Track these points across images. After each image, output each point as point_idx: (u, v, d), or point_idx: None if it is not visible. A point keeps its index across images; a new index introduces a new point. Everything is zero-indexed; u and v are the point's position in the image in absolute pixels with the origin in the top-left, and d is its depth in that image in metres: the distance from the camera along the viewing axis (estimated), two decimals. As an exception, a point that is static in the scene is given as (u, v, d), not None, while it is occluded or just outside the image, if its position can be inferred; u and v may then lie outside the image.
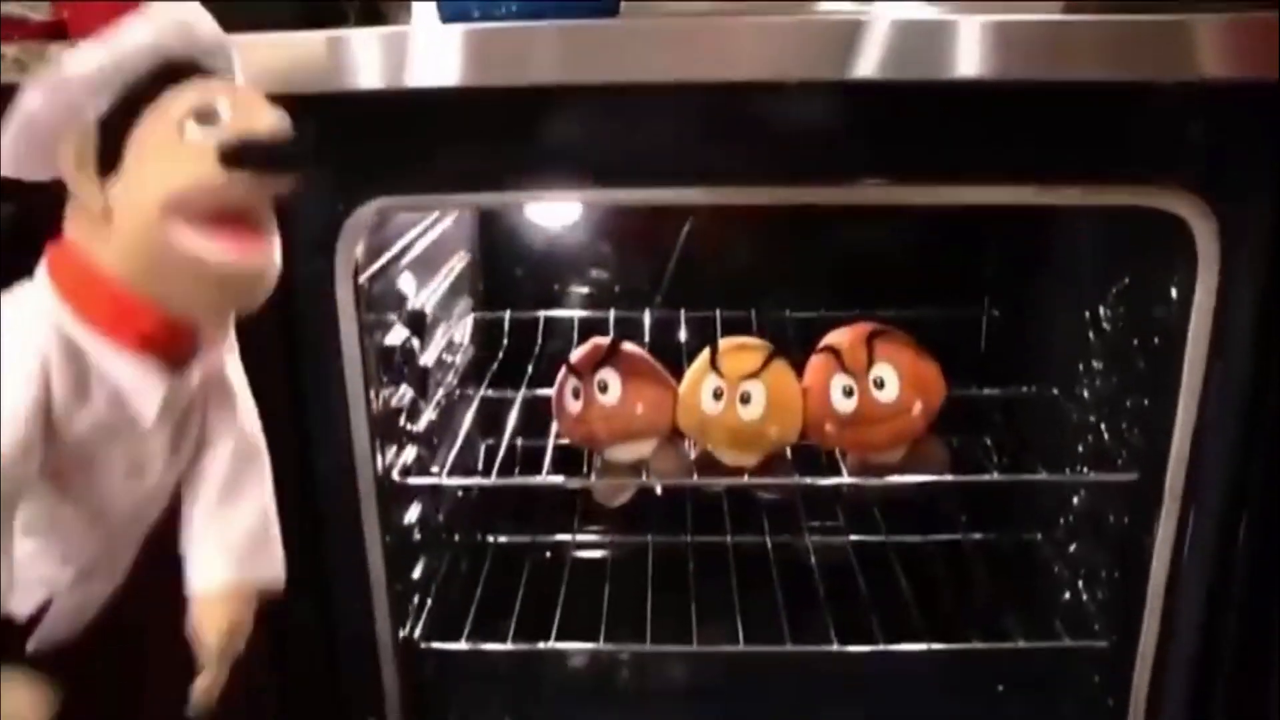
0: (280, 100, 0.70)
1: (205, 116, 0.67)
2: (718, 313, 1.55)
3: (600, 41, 0.85)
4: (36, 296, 0.69)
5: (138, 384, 0.70)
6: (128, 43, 0.68)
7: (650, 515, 1.50)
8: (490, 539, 1.54)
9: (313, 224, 0.93)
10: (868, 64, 0.85)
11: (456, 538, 1.46)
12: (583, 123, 0.91)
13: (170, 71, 0.69)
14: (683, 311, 1.59)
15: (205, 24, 0.72)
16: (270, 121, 0.69)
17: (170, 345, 0.71)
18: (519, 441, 1.42)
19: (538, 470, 1.26)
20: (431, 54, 0.88)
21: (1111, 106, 0.90)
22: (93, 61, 0.67)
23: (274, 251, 0.70)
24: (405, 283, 1.24)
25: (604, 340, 1.26)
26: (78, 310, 0.68)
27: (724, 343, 1.23)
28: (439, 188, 0.97)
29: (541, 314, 1.62)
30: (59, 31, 0.77)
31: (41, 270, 0.70)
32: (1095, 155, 0.93)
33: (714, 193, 0.96)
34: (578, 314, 1.63)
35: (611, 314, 1.59)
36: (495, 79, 0.87)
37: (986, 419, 1.47)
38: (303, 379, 1.00)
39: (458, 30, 0.88)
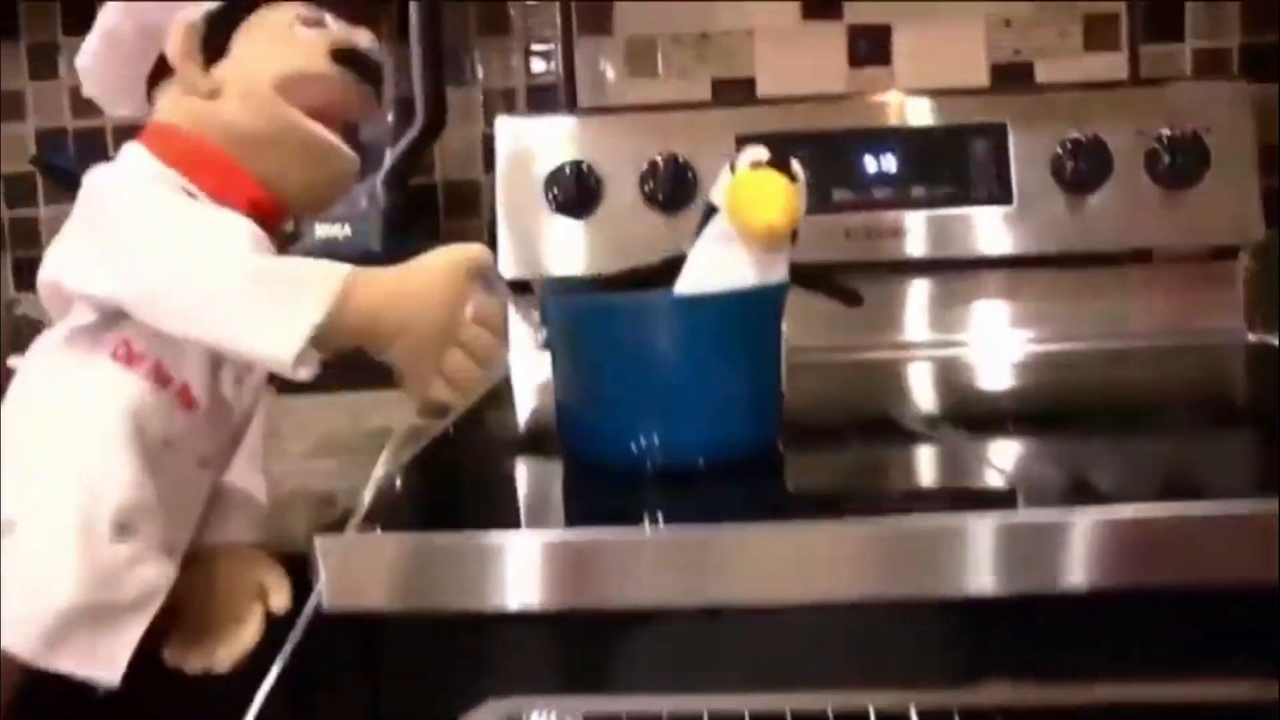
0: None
1: (312, 23, 0.75)
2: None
3: (703, 556, 0.75)
4: (138, 166, 0.71)
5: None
6: None
7: None
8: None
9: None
10: (974, 579, 0.75)
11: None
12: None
13: None
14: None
15: None
16: (368, 38, 0.77)
17: (270, 219, 0.72)
18: None
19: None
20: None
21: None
22: None
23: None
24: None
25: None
26: (187, 173, 0.70)
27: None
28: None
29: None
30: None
31: (135, 150, 0.72)
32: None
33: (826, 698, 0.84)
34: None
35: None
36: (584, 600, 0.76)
37: None
38: None
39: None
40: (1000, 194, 1.34)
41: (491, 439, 1.07)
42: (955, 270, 1.37)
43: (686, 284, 0.87)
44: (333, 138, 0.75)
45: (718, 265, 0.85)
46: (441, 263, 0.69)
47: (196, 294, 0.64)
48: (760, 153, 0.84)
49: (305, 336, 0.62)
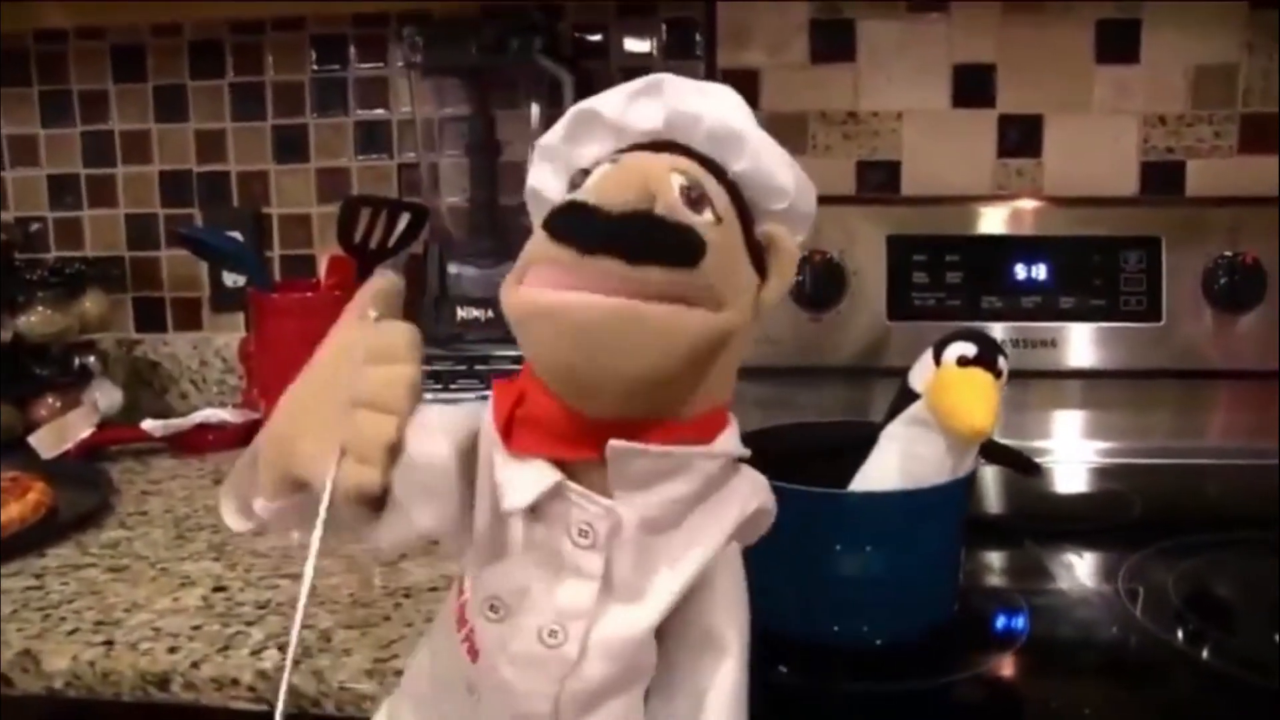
0: None
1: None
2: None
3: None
4: None
5: None
6: None
7: None
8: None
9: None
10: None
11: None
12: None
13: None
14: None
15: None
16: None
17: None
18: None
19: None
20: None
21: None
22: None
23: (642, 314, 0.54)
24: None
25: None
26: None
27: None
28: None
29: None
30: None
31: None
32: None
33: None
34: None
35: None
36: None
37: None
38: None
39: None
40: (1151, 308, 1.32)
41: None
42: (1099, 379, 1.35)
43: (879, 467, 0.87)
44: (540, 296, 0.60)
45: (912, 453, 0.85)
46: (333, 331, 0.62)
47: None
48: (968, 348, 0.82)
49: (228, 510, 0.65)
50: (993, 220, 1.37)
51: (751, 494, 0.63)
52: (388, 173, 1.64)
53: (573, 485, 0.59)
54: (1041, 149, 1.48)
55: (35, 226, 1.72)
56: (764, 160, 0.62)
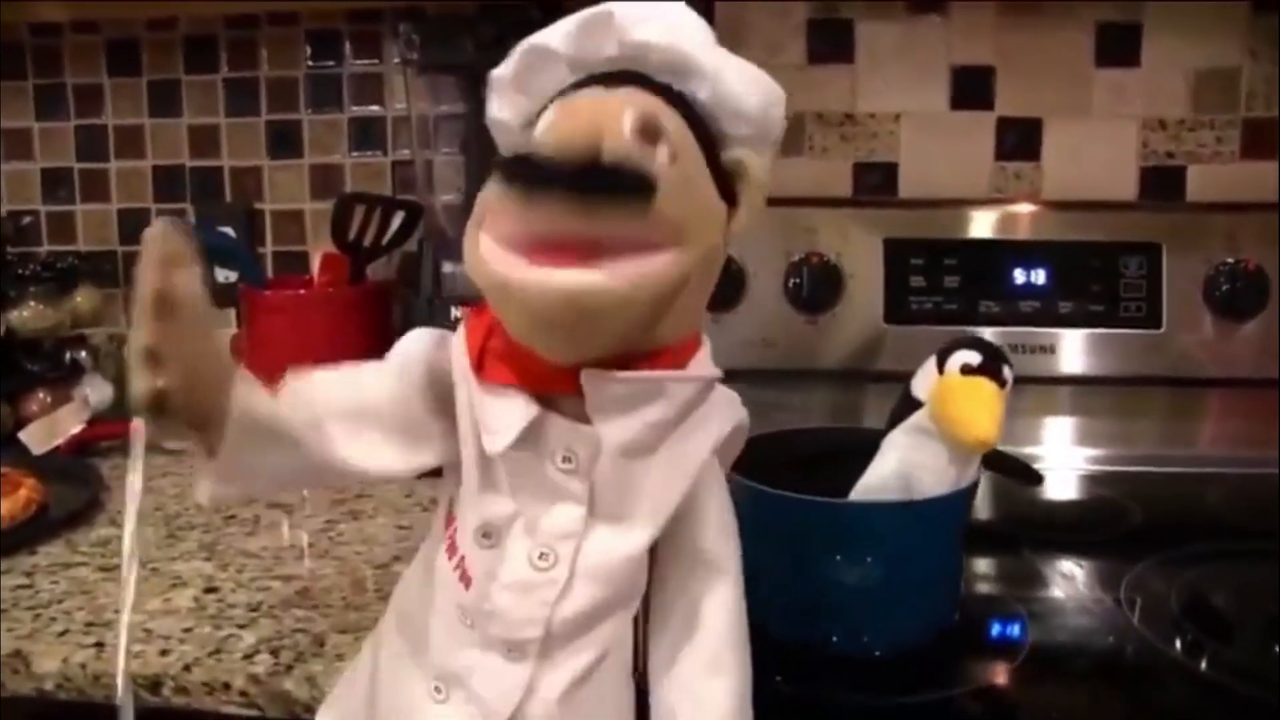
0: None
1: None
2: None
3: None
4: None
5: None
6: None
7: None
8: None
9: None
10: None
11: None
12: None
13: None
14: None
15: None
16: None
17: None
18: None
19: None
20: None
21: None
22: None
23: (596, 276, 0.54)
24: None
25: None
26: None
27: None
28: None
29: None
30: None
31: None
32: None
33: None
34: None
35: None
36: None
37: None
38: None
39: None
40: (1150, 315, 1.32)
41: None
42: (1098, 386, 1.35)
43: (880, 476, 0.86)
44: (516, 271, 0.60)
45: (914, 462, 0.84)
46: None
47: None
48: (972, 357, 0.82)
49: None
50: (991, 224, 1.36)
51: (728, 413, 0.64)
52: (381, 169, 1.63)
53: (552, 415, 0.60)
54: (1040, 152, 1.47)
55: (27, 220, 1.71)
56: (725, 85, 0.61)
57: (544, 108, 0.62)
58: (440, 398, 0.65)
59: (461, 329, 0.64)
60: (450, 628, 0.65)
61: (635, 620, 0.65)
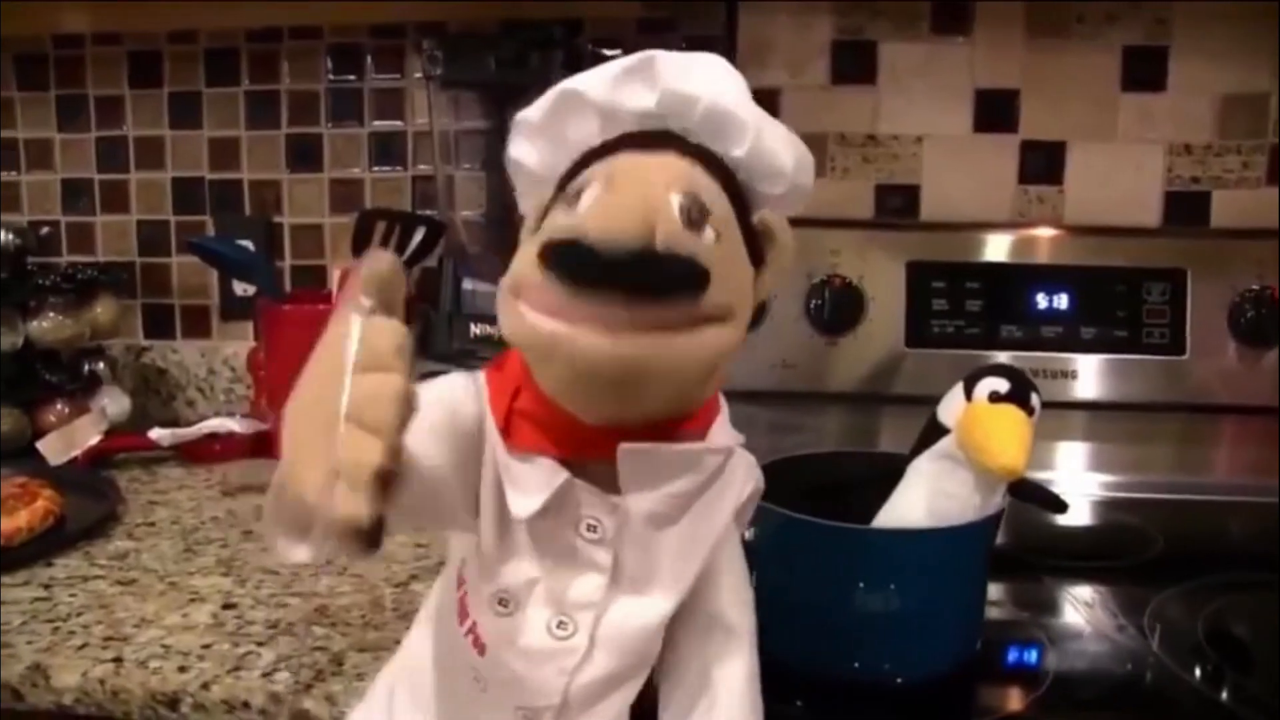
0: None
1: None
2: None
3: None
4: None
5: None
6: None
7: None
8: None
9: None
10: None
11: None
12: None
13: None
14: None
15: None
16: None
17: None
18: None
19: None
20: None
21: None
22: None
23: (648, 343, 0.54)
24: None
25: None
26: None
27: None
28: None
29: None
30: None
31: None
32: None
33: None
34: None
35: None
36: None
37: None
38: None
39: None
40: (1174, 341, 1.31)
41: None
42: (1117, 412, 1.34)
43: (905, 503, 0.85)
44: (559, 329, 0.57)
45: (939, 489, 0.84)
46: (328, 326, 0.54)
47: None
48: (1000, 384, 0.81)
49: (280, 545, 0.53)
50: (1014, 248, 1.36)
51: (746, 477, 0.64)
52: (401, 184, 1.63)
53: (580, 483, 0.59)
54: (1064, 176, 1.47)
55: (46, 230, 1.70)
56: (764, 142, 0.61)
57: (575, 166, 0.61)
58: (463, 450, 0.60)
59: (484, 390, 0.62)
60: (463, 690, 0.65)
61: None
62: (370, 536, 0.47)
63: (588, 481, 0.60)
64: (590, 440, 0.58)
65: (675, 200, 0.55)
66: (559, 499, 0.59)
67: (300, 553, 0.52)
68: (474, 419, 0.61)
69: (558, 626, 0.60)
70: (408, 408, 0.49)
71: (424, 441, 0.54)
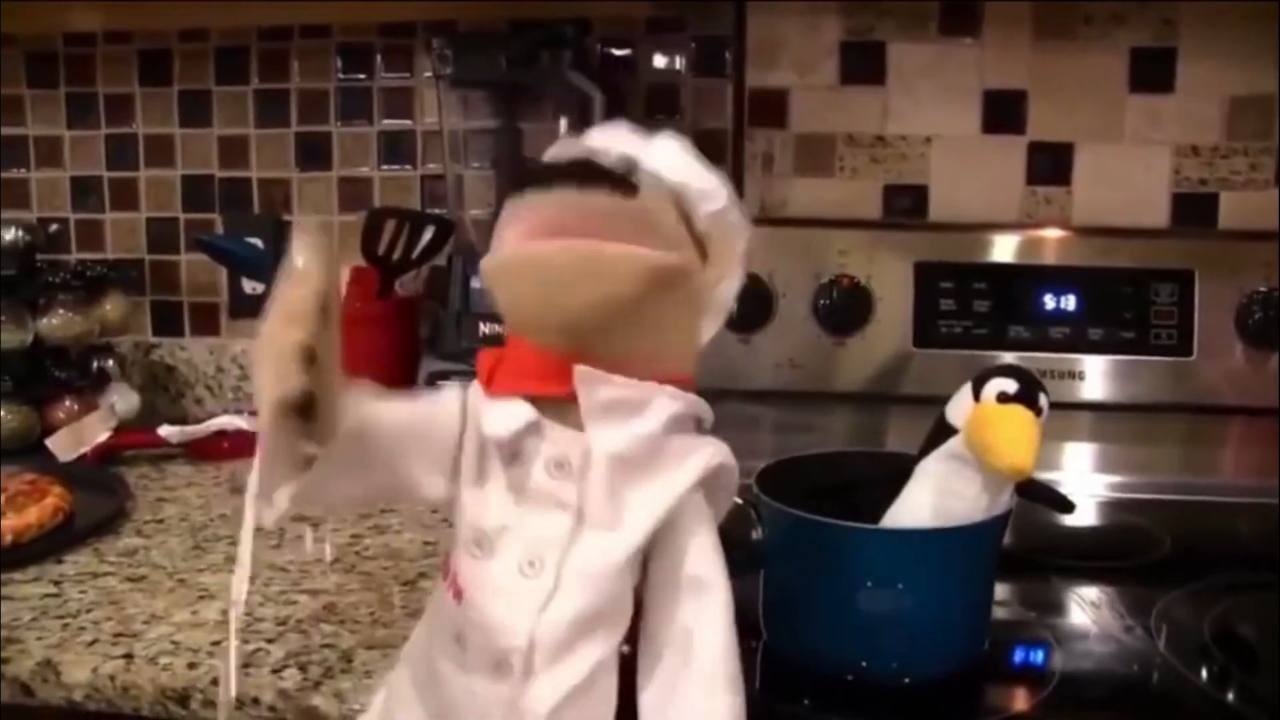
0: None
1: None
2: None
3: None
4: None
5: None
6: None
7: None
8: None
9: None
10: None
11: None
12: None
13: None
14: None
15: None
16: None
17: None
18: None
19: None
20: None
21: None
22: None
23: (600, 249, 0.61)
24: None
25: None
26: None
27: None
28: None
29: None
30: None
31: None
32: None
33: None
34: None
35: None
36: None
37: None
38: None
39: None
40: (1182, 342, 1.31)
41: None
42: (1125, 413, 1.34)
43: (913, 503, 0.86)
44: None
45: (947, 489, 0.84)
46: None
47: None
48: (1009, 384, 0.81)
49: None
50: (1022, 249, 1.36)
51: (715, 450, 0.66)
52: (410, 183, 1.64)
53: (548, 420, 0.64)
54: (1072, 177, 1.47)
55: (55, 227, 1.71)
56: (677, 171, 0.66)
57: None
58: (433, 435, 0.68)
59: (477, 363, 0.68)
60: (447, 659, 0.66)
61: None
62: (304, 410, 0.58)
63: (556, 423, 0.64)
64: (557, 374, 0.63)
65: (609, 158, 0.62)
66: (529, 438, 0.64)
67: (268, 515, 0.65)
68: (453, 414, 0.67)
69: (528, 565, 0.63)
70: (325, 299, 0.58)
71: (397, 410, 0.66)
